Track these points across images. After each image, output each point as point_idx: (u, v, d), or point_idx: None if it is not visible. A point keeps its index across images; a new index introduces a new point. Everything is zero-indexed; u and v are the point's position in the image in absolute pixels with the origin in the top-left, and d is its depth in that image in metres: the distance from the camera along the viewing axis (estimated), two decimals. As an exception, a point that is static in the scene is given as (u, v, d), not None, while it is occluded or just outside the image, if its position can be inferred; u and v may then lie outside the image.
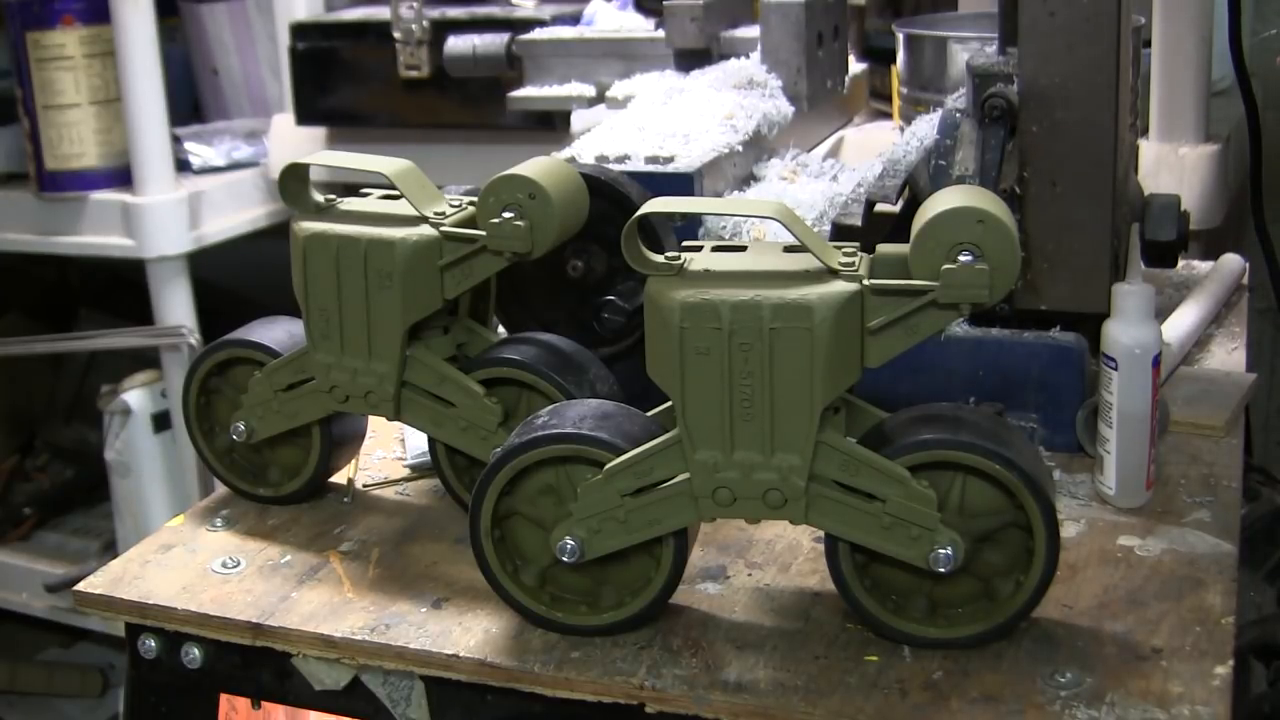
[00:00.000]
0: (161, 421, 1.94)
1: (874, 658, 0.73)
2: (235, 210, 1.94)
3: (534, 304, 1.00)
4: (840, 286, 0.71)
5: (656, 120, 1.10)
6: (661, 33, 1.35)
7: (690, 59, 1.30)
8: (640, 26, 1.54)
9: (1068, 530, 0.85)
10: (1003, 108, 0.93)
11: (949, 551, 0.71)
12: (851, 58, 1.40)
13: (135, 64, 1.79)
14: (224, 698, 0.84)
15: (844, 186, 1.07)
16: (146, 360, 1.97)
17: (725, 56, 1.27)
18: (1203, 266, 1.25)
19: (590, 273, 0.97)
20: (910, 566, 0.73)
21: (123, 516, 1.98)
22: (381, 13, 1.77)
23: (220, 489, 0.98)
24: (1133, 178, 1.06)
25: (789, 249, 0.75)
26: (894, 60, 1.44)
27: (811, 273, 0.72)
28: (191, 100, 2.14)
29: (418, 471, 0.99)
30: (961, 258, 0.69)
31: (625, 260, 0.74)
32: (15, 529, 2.16)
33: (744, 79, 1.18)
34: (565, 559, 0.75)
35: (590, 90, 1.43)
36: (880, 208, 0.99)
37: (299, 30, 1.82)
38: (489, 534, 0.77)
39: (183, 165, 1.93)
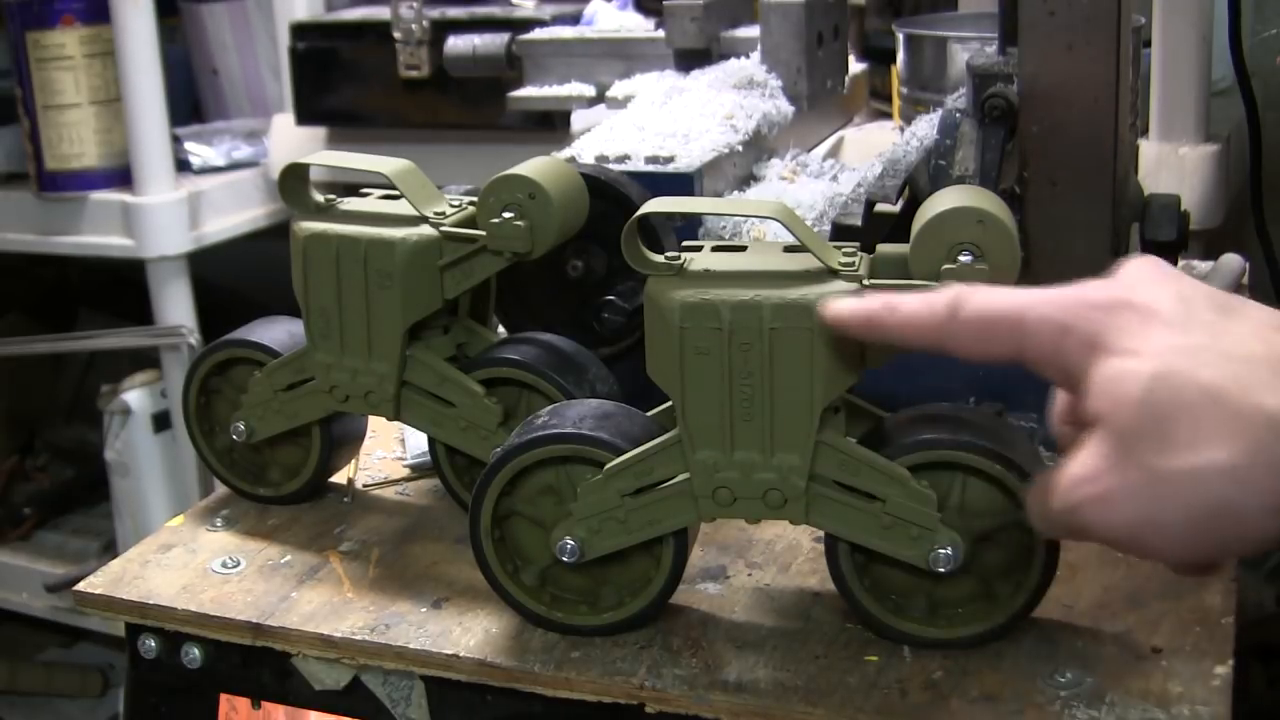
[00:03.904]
0: (161, 421, 1.94)
1: (874, 658, 0.73)
2: (235, 210, 1.94)
3: (534, 304, 1.00)
4: (840, 286, 0.71)
5: (656, 120, 1.10)
6: (661, 33, 1.35)
7: (690, 59, 1.30)
8: (640, 26, 1.54)
9: (1068, 530, 0.85)
10: (1003, 108, 0.93)
11: (949, 551, 0.71)
12: (851, 58, 1.40)
13: (135, 64, 1.79)
14: (224, 698, 0.84)
15: (844, 186, 1.07)
16: (146, 360, 1.97)
17: (725, 56, 1.27)
18: (1203, 266, 1.25)
19: (590, 273, 0.97)
20: (910, 566, 0.73)
21: (123, 516, 1.98)
22: (381, 13, 1.77)
23: (220, 489, 0.98)
24: (1133, 178, 1.06)
25: (789, 249, 0.75)
26: (894, 60, 1.44)
27: (811, 273, 0.72)
28: (191, 100, 2.14)
29: (418, 471, 0.99)
30: (961, 258, 0.69)
31: (625, 260, 0.74)
32: (15, 529, 2.16)
33: (744, 79, 1.18)
34: (565, 559, 0.75)
35: (590, 90, 1.42)
36: (880, 208, 0.99)
37: (299, 30, 1.82)
38: (489, 534, 0.77)
39: (183, 165, 1.93)
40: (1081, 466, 0.56)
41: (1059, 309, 0.58)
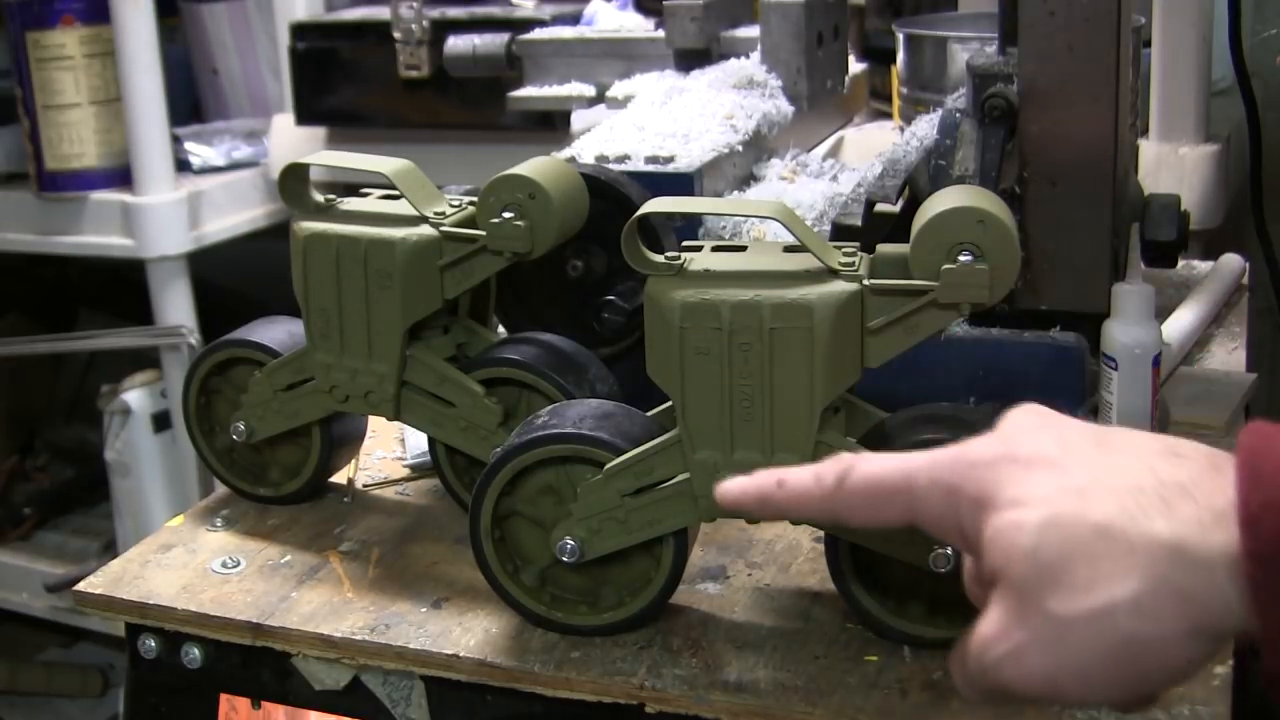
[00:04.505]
0: (161, 421, 1.94)
1: (874, 658, 0.73)
2: (235, 210, 1.94)
3: (534, 304, 1.00)
4: (840, 286, 0.71)
5: (656, 120, 1.10)
6: (661, 33, 1.35)
7: (690, 59, 1.30)
8: (640, 26, 1.54)
9: (1068, 530, 0.84)
10: (1003, 108, 0.93)
11: (949, 551, 0.71)
12: (851, 58, 1.40)
13: (135, 64, 1.79)
14: (224, 698, 0.84)
15: (844, 186, 1.07)
16: (146, 360, 1.97)
17: (725, 56, 1.27)
18: (1203, 266, 1.25)
19: (590, 273, 0.97)
20: (910, 566, 0.73)
21: (123, 516, 1.98)
22: (381, 13, 1.77)
23: (220, 489, 0.98)
24: (1133, 178, 1.06)
25: (789, 249, 0.75)
26: (894, 60, 1.44)
27: (811, 273, 0.72)
28: (191, 100, 2.14)
29: (418, 471, 0.99)
30: (961, 258, 0.69)
31: (625, 260, 0.74)
32: (15, 529, 2.16)
33: (744, 79, 1.18)
34: (565, 559, 0.75)
35: (590, 90, 1.42)
36: (880, 208, 0.99)
37: (299, 30, 1.82)
38: (489, 534, 0.77)
39: (183, 165, 1.93)
40: (989, 626, 0.55)
41: (944, 471, 0.57)
